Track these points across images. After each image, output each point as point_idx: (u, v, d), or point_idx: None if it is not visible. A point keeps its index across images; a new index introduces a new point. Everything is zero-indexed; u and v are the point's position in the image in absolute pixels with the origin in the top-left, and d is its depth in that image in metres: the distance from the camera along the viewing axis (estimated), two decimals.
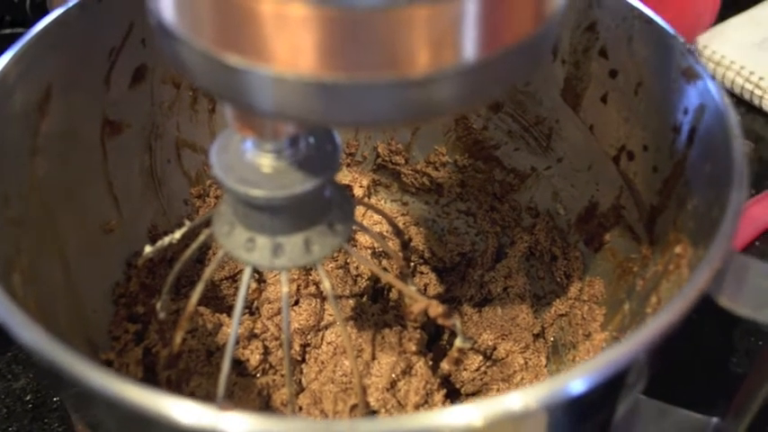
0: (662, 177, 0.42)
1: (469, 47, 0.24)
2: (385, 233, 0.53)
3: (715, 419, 0.41)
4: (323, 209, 0.35)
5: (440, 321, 0.38)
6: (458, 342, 0.41)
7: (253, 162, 0.32)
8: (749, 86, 0.74)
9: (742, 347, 0.55)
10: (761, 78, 0.74)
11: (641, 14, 0.41)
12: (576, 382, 0.26)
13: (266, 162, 0.32)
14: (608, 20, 0.43)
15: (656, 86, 0.41)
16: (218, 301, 0.50)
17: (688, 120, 0.39)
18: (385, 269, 0.51)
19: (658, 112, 0.41)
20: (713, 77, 0.37)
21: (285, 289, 0.35)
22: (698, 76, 0.38)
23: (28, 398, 0.52)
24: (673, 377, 0.50)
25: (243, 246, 0.34)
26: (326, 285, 0.36)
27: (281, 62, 0.24)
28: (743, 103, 0.75)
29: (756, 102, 0.74)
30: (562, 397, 0.25)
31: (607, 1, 0.43)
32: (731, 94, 0.76)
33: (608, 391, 0.29)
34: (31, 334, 0.27)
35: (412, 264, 0.54)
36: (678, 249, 0.38)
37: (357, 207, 0.53)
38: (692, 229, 0.37)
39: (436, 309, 0.37)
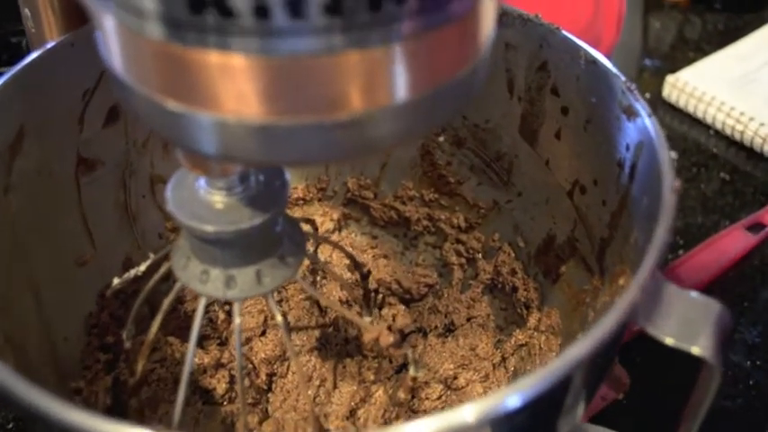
0: (610, 211, 0.43)
1: (399, 88, 0.26)
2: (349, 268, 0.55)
3: None
4: (274, 242, 0.36)
5: (390, 351, 0.39)
6: (411, 371, 0.42)
7: (205, 198, 0.34)
8: (730, 121, 0.76)
9: None
10: (741, 113, 0.75)
11: (585, 54, 0.42)
12: (513, 397, 0.27)
13: (218, 198, 0.34)
14: (557, 59, 0.45)
15: (602, 123, 0.43)
16: (187, 332, 0.51)
17: (629, 156, 0.40)
18: (348, 302, 0.52)
19: (605, 148, 0.43)
20: (651, 115, 0.39)
21: (237, 320, 0.37)
22: (637, 114, 0.39)
23: (10, 426, 0.54)
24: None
25: (198, 277, 0.36)
26: (278, 318, 0.37)
27: (221, 107, 0.25)
28: (724, 138, 0.77)
29: (738, 136, 0.76)
30: (500, 412, 0.27)
31: (555, 41, 0.44)
32: (713, 128, 0.78)
33: (545, 407, 0.30)
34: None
35: (381, 295, 0.55)
36: (621, 281, 0.40)
37: (325, 244, 0.54)
38: (633, 260, 0.38)
39: (386, 338, 0.38)
